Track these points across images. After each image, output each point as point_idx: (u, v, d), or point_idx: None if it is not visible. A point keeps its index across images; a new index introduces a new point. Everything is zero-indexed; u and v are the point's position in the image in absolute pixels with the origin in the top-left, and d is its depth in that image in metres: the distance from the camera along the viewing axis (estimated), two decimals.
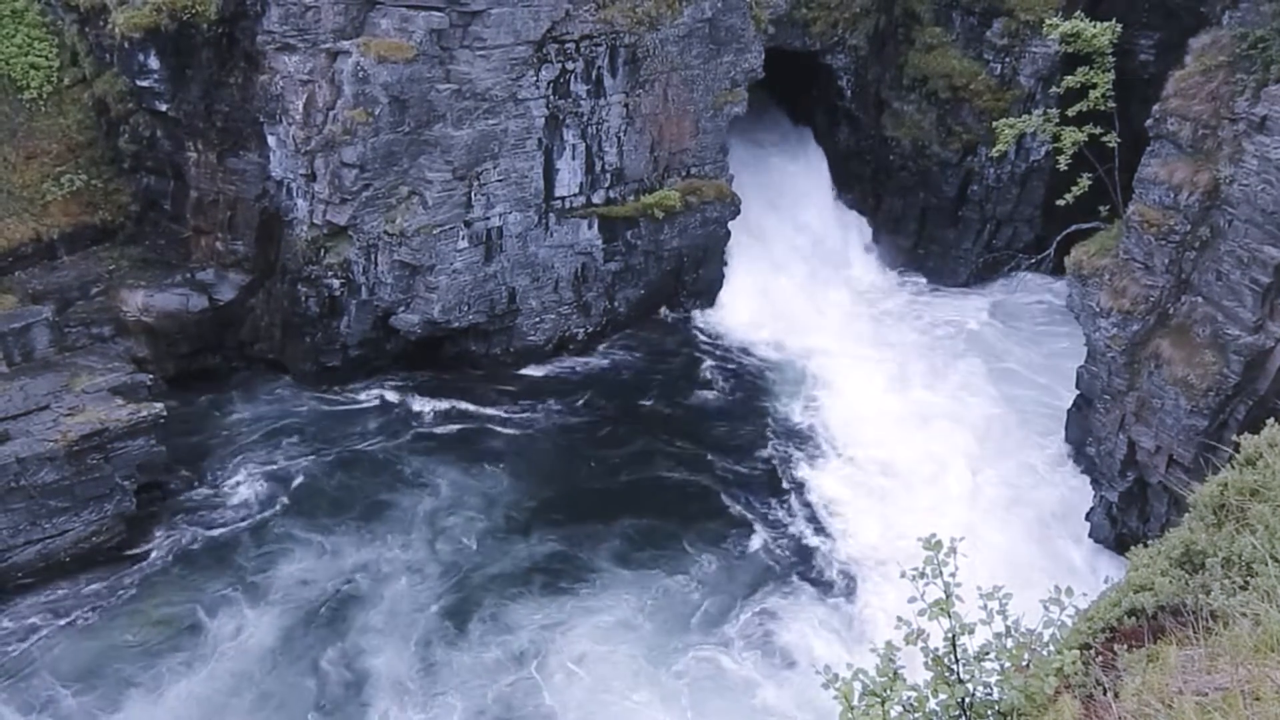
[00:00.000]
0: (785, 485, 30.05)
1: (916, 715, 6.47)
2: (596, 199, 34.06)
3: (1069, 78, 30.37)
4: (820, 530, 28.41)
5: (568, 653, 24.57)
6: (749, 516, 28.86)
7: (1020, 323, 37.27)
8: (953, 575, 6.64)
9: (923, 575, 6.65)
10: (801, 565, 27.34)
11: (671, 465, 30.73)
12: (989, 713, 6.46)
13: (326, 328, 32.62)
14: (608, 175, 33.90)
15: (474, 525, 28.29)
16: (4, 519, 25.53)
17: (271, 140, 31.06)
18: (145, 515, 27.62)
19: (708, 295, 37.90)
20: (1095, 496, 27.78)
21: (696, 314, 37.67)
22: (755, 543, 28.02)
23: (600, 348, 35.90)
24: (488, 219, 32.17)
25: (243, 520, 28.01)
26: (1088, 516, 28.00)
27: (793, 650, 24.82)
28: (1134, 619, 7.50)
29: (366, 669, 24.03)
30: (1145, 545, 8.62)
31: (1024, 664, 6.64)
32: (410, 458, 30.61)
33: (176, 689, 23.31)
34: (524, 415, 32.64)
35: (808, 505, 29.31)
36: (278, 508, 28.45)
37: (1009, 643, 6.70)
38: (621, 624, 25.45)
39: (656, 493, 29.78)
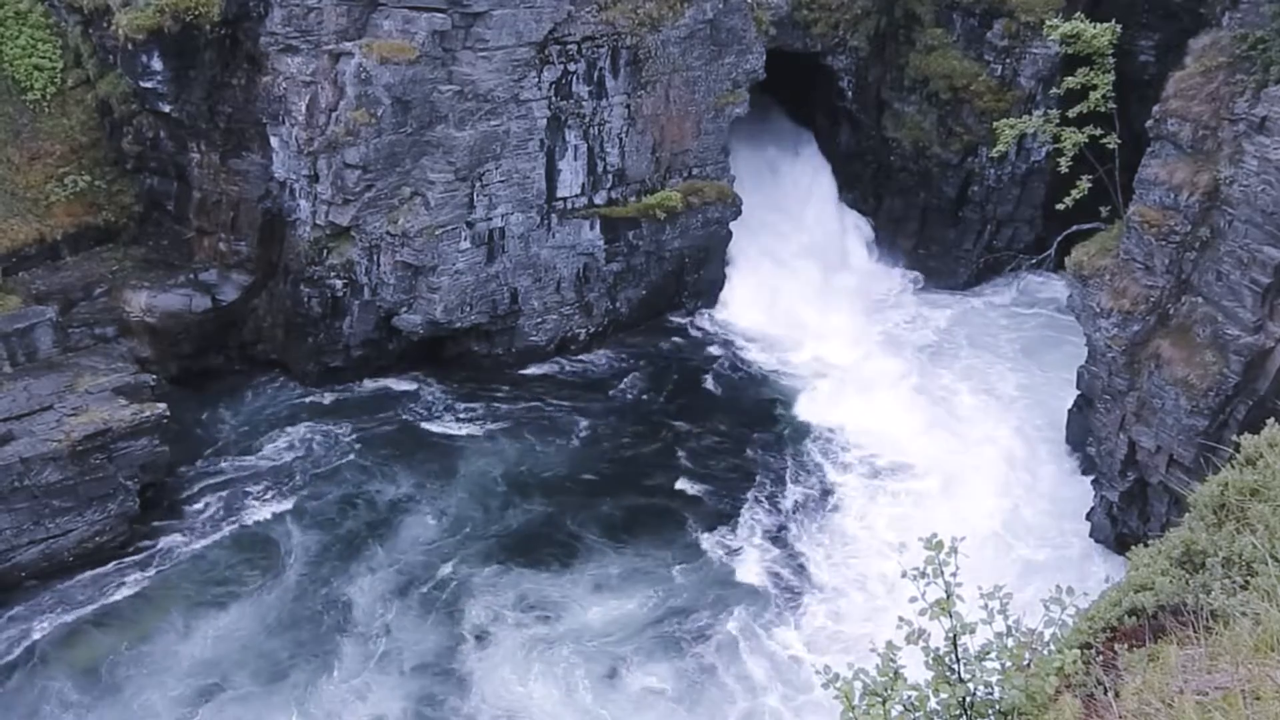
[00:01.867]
0: (780, 487, 30.07)
1: (917, 714, 6.49)
2: (598, 200, 34.13)
3: (1069, 79, 30.38)
4: (808, 541, 28.29)
5: (490, 623, 25.35)
6: (736, 521, 28.82)
7: (1020, 323, 37.30)
8: (953, 575, 6.68)
9: (923, 575, 6.69)
10: (774, 585, 26.91)
11: (667, 464, 30.85)
12: (990, 712, 6.49)
13: (329, 328, 32.70)
14: (609, 176, 33.96)
15: (470, 499, 29.13)
16: (8, 519, 25.62)
17: (274, 141, 31.13)
18: (149, 514, 27.76)
19: (709, 295, 37.95)
20: (1096, 496, 27.82)
21: (698, 314, 37.71)
22: (733, 550, 27.96)
23: (602, 348, 35.96)
24: (490, 220, 32.24)
25: (246, 510, 28.45)
26: (1088, 516, 28.05)
27: (707, 680, 24.13)
28: (1134, 618, 7.52)
29: (346, 622, 25.40)
30: (1146, 545, 8.64)
31: (1025, 663, 6.67)
32: (416, 446, 31.09)
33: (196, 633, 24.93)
34: (526, 411, 32.81)
35: (800, 509, 29.33)
36: (280, 498, 28.88)
37: (1010, 642, 6.72)
38: (563, 601, 25.99)
39: (649, 489, 29.98)
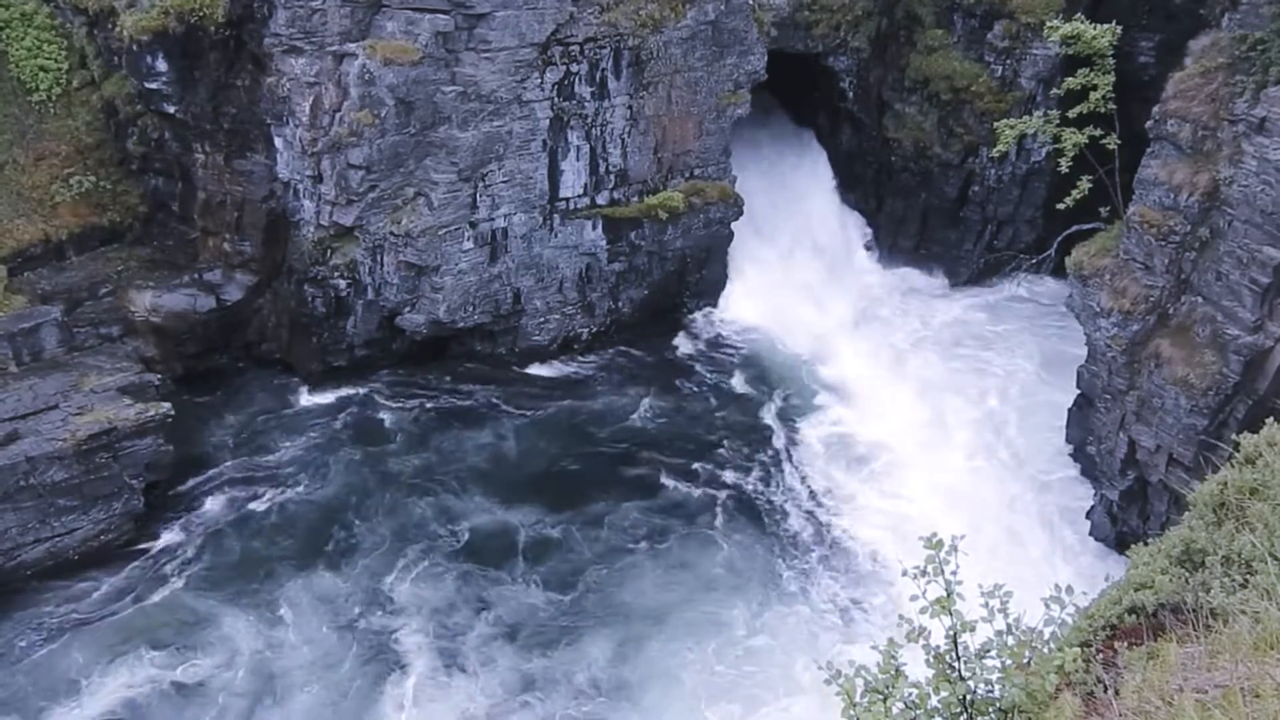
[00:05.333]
0: (776, 485, 30.16)
1: (918, 712, 6.57)
2: (600, 200, 34.19)
3: (1069, 79, 30.49)
4: (800, 537, 28.35)
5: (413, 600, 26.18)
6: (724, 515, 28.87)
7: (1021, 323, 37.37)
8: (954, 573, 6.76)
9: (924, 573, 6.77)
10: (750, 578, 26.94)
11: (664, 462, 30.89)
12: (990, 710, 6.56)
13: (333, 328, 32.80)
14: (612, 176, 34.03)
15: (468, 479, 30.04)
16: (13, 517, 25.70)
17: (278, 142, 31.21)
18: (154, 513, 27.91)
19: (711, 295, 38.03)
20: (1096, 495, 27.91)
21: (700, 314, 37.80)
22: (715, 541, 28.07)
23: (604, 347, 36.06)
24: (493, 220, 32.33)
25: (248, 507, 28.75)
26: (1088, 515, 28.14)
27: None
28: (1134, 617, 7.54)
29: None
30: (1145, 543, 8.68)
31: (1025, 661, 6.75)
32: (421, 438, 31.52)
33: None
34: (528, 407, 33.05)
35: (795, 506, 29.36)
36: (284, 492, 29.25)
37: (1010, 640, 6.81)
38: (500, 579, 26.74)
39: (642, 485, 30.03)
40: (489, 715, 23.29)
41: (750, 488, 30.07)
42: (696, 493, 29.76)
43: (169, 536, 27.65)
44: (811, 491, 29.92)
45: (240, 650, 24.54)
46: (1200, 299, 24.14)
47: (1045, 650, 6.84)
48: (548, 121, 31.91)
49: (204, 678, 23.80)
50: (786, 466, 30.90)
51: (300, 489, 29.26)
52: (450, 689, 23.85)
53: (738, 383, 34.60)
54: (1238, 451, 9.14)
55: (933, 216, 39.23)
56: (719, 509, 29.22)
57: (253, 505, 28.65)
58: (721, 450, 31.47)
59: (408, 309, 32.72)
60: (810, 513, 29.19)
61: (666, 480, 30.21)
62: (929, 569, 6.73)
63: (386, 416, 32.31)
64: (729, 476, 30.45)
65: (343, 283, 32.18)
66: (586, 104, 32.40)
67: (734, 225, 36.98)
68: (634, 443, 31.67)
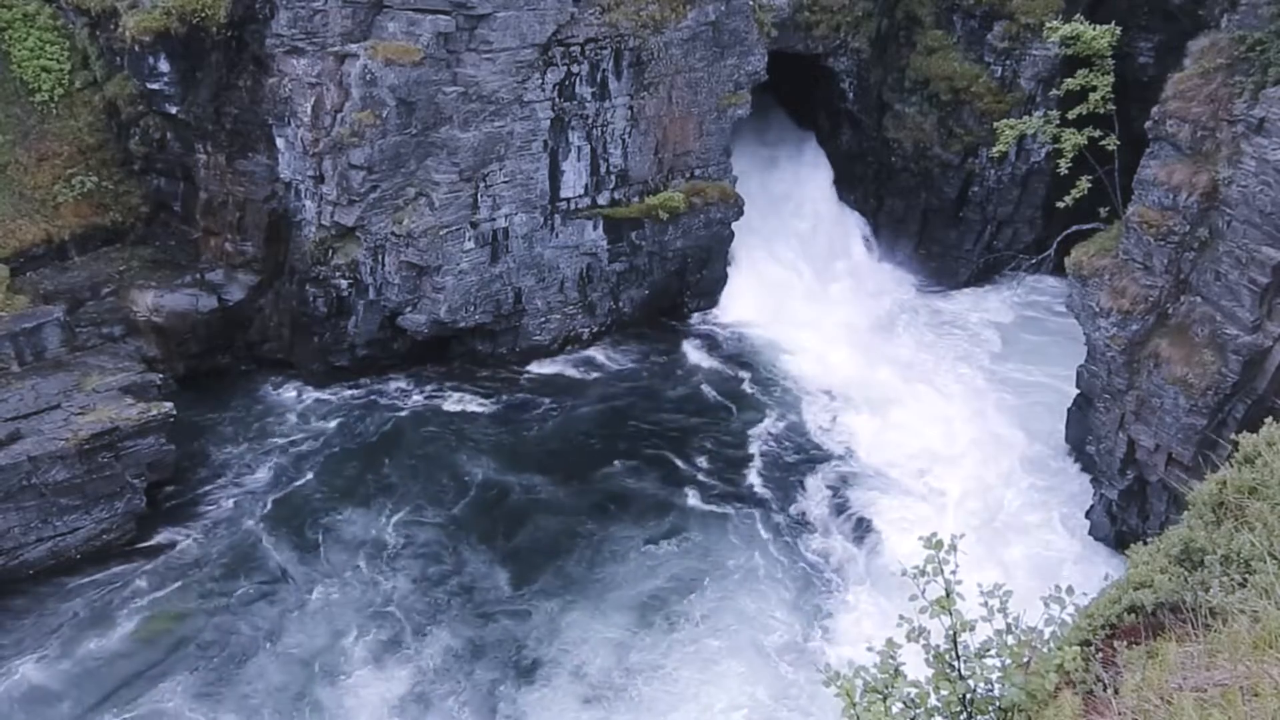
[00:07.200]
0: (776, 484, 30.16)
1: (918, 711, 6.61)
2: (601, 200, 34.25)
3: (1069, 80, 30.52)
4: (800, 539, 28.32)
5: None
6: (714, 522, 28.80)
7: (1020, 323, 37.42)
8: (953, 573, 6.81)
9: (924, 573, 6.81)
10: (761, 576, 27.00)
11: (658, 460, 30.98)
12: (990, 709, 6.60)
13: (335, 328, 32.86)
14: (612, 177, 34.08)
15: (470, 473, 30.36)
16: (16, 516, 25.76)
17: (280, 142, 31.27)
18: (156, 512, 27.97)
19: (711, 295, 38.08)
20: (1095, 494, 27.96)
21: (700, 314, 37.85)
22: (715, 540, 28.09)
23: (605, 347, 36.12)
24: (494, 220, 32.39)
25: (251, 505, 28.85)
26: (1088, 514, 28.19)
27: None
28: (1134, 616, 7.53)
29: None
30: (1145, 543, 8.68)
31: (1025, 661, 6.79)
32: (420, 434, 31.72)
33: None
34: (529, 407, 33.17)
35: (794, 506, 29.37)
36: (285, 490, 29.43)
37: (1010, 640, 6.86)
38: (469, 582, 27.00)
39: (639, 484, 30.09)
40: (434, 679, 23.94)
41: (743, 488, 30.07)
42: (686, 491, 29.76)
43: (167, 535, 27.68)
44: (806, 493, 29.89)
45: (236, 619, 25.40)
46: (1199, 299, 24.19)
47: (1045, 649, 6.88)
48: (549, 122, 31.97)
49: (206, 640, 24.79)
50: (782, 467, 30.89)
51: (299, 487, 29.32)
52: (412, 654, 24.61)
53: (736, 382, 34.63)
54: (1237, 451, 9.16)
55: (932, 217, 39.28)
56: (708, 508, 29.22)
57: (253, 503, 28.69)
58: (717, 449, 31.48)
59: (409, 309, 32.78)
60: (802, 515, 29.10)
61: (657, 477, 30.24)
62: (929, 569, 6.77)
63: (387, 414, 32.37)
64: (722, 475, 30.45)
65: (344, 283, 32.24)
66: (587, 104, 32.46)
67: (734, 225, 37.03)
68: (629, 440, 31.70)
